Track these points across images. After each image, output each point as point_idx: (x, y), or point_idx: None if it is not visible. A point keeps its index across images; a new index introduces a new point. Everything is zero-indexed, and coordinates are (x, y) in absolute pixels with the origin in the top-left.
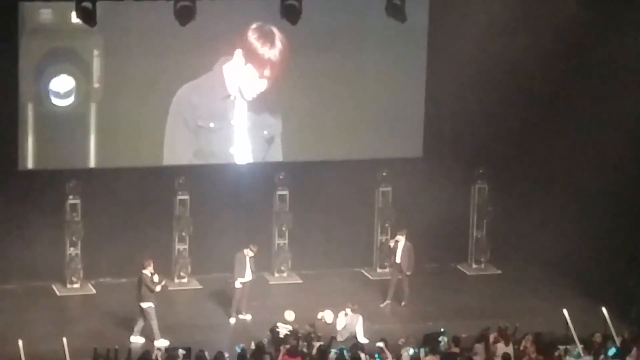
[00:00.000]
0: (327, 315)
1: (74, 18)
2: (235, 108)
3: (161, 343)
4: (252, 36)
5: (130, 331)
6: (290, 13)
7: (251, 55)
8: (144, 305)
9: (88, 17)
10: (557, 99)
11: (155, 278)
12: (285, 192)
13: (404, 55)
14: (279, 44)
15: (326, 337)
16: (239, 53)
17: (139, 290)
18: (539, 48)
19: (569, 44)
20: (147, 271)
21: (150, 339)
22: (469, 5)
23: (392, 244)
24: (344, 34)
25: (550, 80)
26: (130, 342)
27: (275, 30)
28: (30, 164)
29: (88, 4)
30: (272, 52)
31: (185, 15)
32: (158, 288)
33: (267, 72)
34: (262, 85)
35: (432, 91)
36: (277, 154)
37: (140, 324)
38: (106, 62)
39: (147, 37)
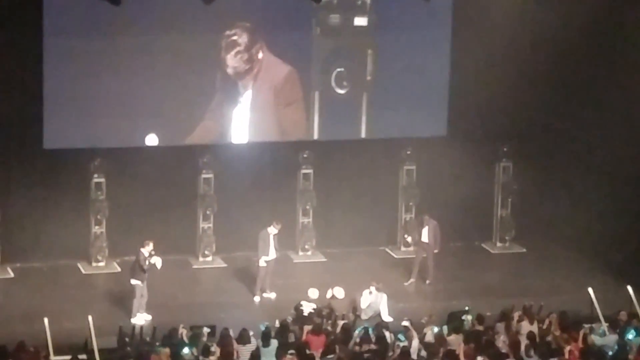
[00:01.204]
0: (337, 292)
1: None
2: (258, 82)
3: (143, 317)
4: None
5: (156, 308)
6: None
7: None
8: (133, 282)
9: None
10: (583, 76)
11: (158, 262)
12: (310, 171)
13: (428, 33)
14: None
15: (347, 314)
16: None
17: (132, 267)
18: (566, 24)
19: (599, 20)
20: (145, 250)
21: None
22: None
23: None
24: (367, 12)
25: (577, 57)
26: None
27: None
28: (55, 143)
29: None
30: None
31: None
32: (155, 263)
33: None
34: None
35: (457, 69)
36: (301, 131)
37: (142, 301)
38: (130, 35)
39: (169, 13)
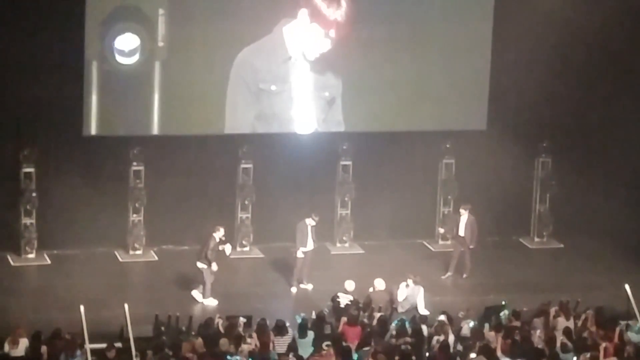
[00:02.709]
0: (377, 283)
1: None
2: (296, 70)
3: (210, 302)
4: None
5: (192, 298)
6: None
7: (316, 15)
8: (199, 265)
9: None
10: (624, 73)
11: (228, 248)
12: (349, 163)
13: (469, 27)
14: (344, 4)
15: (384, 306)
16: (303, 12)
17: (200, 250)
18: (607, 21)
19: (637, 17)
20: (217, 235)
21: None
22: None
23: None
24: (409, 5)
25: (618, 54)
26: (191, 295)
27: None
28: (94, 130)
29: None
30: (338, 12)
31: None
32: (214, 267)
33: (332, 33)
34: (326, 45)
35: (498, 64)
36: (337, 117)
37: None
38: (171, 22)
39: (212, 1)
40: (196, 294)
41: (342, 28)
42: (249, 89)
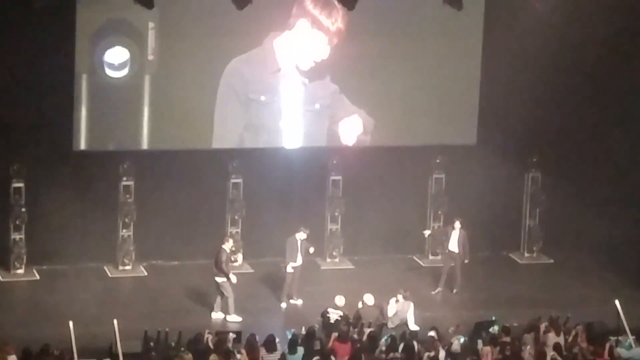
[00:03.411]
0: (367, 299)
1: None
2: (286, 82)
3: (233, 318)
4: (314, 5)
5: (182, 313)
6: None
7: (317, 23)
8: (219, 279)
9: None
10: (613, 88)
11: (239, 258)
12: (339, 178)
13: (459, 43)
14: (341, 11)
15: (374, 322)
16: (302, 22)
17: (215, 265)
18: (596, 35)
19: (629, 32)
20: (226, 246)
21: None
22: None
23: (426, 233)
24: (399, 20)
25: (606, 69)
26: (210, 317)
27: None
28: (84, 145)
29: None
30: (338, 18)
31: None
32: (233, 279)
33: (327, 42)
34: (319, 55)
35: (487, 79)
36: (326, 129)
37: (218, 300)
38: (160, 35)
39: (201, 13)
40: (215, 314)
41: (342, 34)
42: (238, 98)
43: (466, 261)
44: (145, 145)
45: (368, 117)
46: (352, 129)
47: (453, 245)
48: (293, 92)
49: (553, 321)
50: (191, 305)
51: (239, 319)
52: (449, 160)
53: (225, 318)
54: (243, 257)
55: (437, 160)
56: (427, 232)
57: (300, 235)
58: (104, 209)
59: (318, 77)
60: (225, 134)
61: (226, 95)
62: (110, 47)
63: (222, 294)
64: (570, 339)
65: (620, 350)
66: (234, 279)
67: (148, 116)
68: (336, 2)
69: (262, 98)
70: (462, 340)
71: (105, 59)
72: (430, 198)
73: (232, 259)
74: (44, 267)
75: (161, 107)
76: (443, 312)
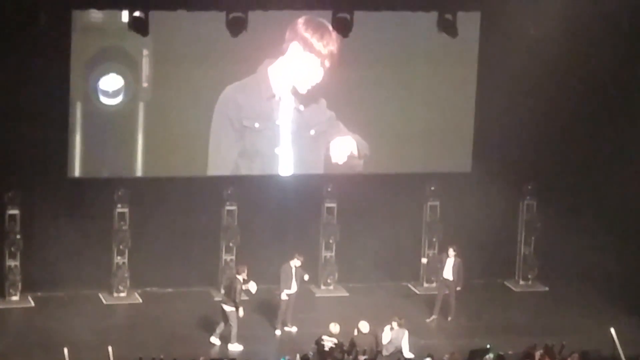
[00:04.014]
0: (362, 326)
1: (124, 18)
2: (280, 108)
3: (235, 347)
4: (305, 28)
5: (176, 340)
6: (342, 26)
7: (309, 46)
8: (227, 308)
9: (140, 26)
10: (607, 116)
11: (252, 286)
12: (334, 205)
13: (454, 70)
14: (333, 34)
15: (368, 349)
16: (294, 46)
17: (227, 293)
18: (589, 63)
19: (620, 60)
20: (241, 277)
21: (225, 342)
22: (519, 21)
23: (424, 261)
24: (395, 47)
25: (604, 95)
26: (210, 342)
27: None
28: (78, 172)
29: (141, 14)
30: (330, 41)
31: (236, 26)
32: (241, 312)
33: (327, 63)
34: (318, 76)
35: (482, 106)
36: (321, 156)
37: (221, 327)
38: (155, 63)
39: (195, 40)
40: (215, 339)
41: (335, 56)
42: (232, 125)
43: (458, 289)
44: (139, 172)
45: (363, 141)
46: (343, 149)
47: (448, 272)
48: (288, 118)
49: (548, 349)
50: (186, 332)
51: (240, 347)
52: (443, 188)
53: (227, 346)
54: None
55: (432, 188)
56: (424, 260)
57: (295, 263)
58: (99, 235)
59: (314, 103)
60: (220, 162)
61: (220, 123)
62: (104, 74)
63: (225, 322)
64: None
65: None
66: (241, 312)
67: (142, 143)
68: (329, 27)
69: (257, 125)
70: None
71: (100, 87)
72: (425, 225)
73: (244, 288)
74: (39, 294)
75: (156, 134)
76: (438, 340)
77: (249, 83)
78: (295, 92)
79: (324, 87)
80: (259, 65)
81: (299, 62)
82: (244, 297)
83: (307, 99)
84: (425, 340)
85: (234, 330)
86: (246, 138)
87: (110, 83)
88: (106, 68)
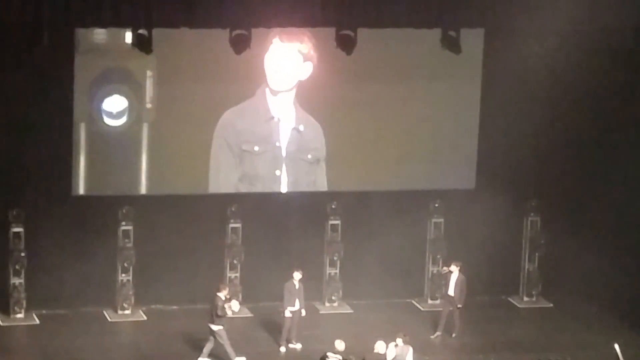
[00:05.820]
0: (379, 346)
1: (128, 38)
2: (279, 131)
3: None
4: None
5: (181, 358)
6: (346, 43)
7: (288, 36)
8: (214, 327)
9: (144, 44)
10: (611, 132)
11: (234, 305)
12: (338, 222)
13: (458, 87)
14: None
15: None
16: (276, 42)
17: (210, 312)
18: (593, 80)
19: (625, 76)
20: (222, 294)
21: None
22: (523, 38)
23: (445, 270)
24: (398, 64)
25: (608, 111)
26: None
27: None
28: (83, 190)
29: (144, 32)
30: (306, 32)
31: (240, 43)
32: (229, 312)
33: (309, 51)
34: (307, 70)
35: (486, 123)
36: (322, 179)
37: (209, 346)
38: (159, 83)
39: (199, 60)
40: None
41: (315, 46)
42: (231, 150)
43: (459, 306)
44: (144, 190)
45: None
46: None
47: (451, 289)
48: (287, 140)
49: None
50: (190, 349)
51: (243, 358)
52: (447, 205)
53: None
54: (240, 304)
55: (436, 205)
56: (445, 269)
57: (296, 276)
58: (103, 253)
59: (311, 125)
60: (221, 186)
61: (220, 148)
62: (108, 95)
63: (214, 341)
64: None
65: None
66: (236, 305)
67: (146, 162)
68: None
69: (256, 148)
70: None
71: (104, 108)
72: (429, 242)
73: (226, 306)
74: (44, 311)
75: (159, 153)
76: (442, 356)
77: (247, 106)
78: (292, 115)
79: (324, 108)
80: (257, 88)
81: (283, 57)
82: (229, 315)
83: (305, 120)
84: (430, 357)
85: (228, 347)
86: (246, 162)
87: (115, 104)
88: (110, 90)
